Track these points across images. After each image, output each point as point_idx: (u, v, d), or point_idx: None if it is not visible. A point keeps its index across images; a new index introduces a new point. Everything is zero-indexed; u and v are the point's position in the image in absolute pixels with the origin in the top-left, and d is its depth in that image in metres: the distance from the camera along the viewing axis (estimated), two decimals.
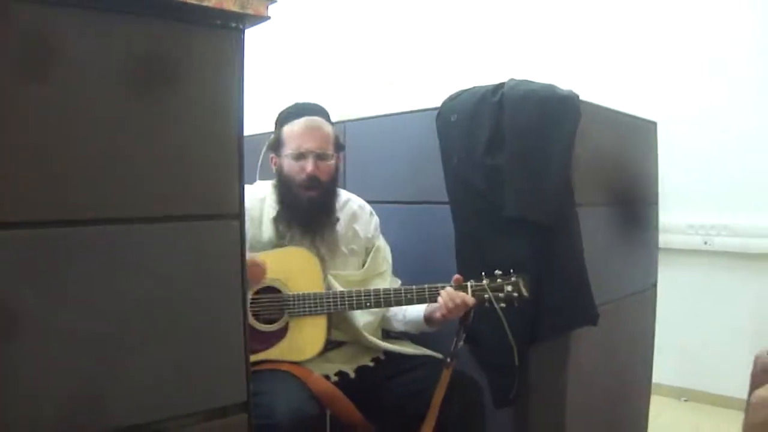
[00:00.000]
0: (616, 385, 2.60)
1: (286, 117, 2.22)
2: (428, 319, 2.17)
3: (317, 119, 2.18)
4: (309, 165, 2.12)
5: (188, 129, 1.10)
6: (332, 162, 2.19)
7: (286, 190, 2.18)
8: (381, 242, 2.35)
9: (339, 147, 2.24)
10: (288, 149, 2.16)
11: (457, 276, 2.07)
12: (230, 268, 1.18)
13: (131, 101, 1.03)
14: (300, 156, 2.14)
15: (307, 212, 2.16)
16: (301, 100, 2.28)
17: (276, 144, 2.21)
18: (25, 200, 0.94)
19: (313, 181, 2.14)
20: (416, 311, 2.21)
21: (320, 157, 2.15)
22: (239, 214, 1.19)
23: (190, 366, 1.13)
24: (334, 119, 2.30)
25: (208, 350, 1.15)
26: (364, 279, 2.25)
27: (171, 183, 1.09)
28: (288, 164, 2.16)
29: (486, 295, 2.01)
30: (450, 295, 2.02)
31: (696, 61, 3.80)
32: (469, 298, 2.01)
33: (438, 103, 2.39)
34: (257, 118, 2.17)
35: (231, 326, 1.19)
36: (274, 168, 2.24)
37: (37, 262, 0.95)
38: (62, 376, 0.98)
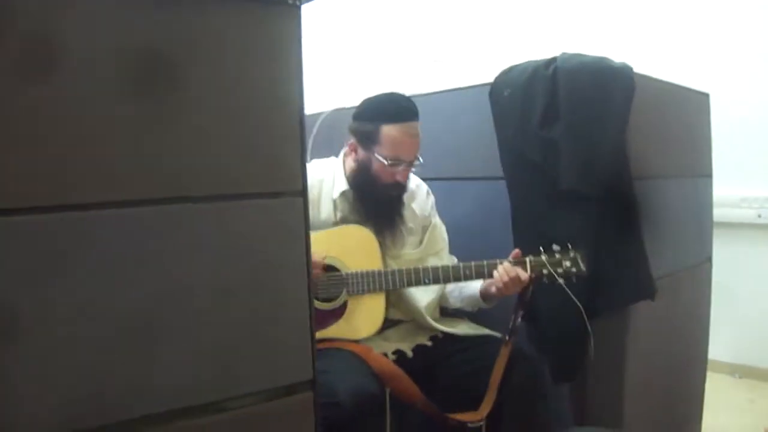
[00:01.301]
0: (674, 361, 2.57)
1: (386, 114, 2.12)
2: (484, 294, 2.16)
3: (416, 125, 2.12)
4: (401, 175, 2.12)
5: (248, 107, 1.09)
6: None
7: (367, 185, 2.16)
8: (437, 220, 2.34)
9: None
10: (384, 151, 2.10)
11: (516, 251, 2.06)
12: (294, 246, 1.17)
13: (187, 80, 1.02)
14: (396, 163, 2.10)
15: (384, 208, 2.17)
16: (397, 95, 2.20)
17: (368, 138, 2.13)
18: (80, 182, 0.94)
19: (398, 184, 2.14)
20: (472, 287, 2.20)
21: (411, 164, 2.14)
22: (302, 191, 1.17)
23: (255, 345, 1.12)
24: None
25: (273, 328, 1.14)
26: (420, 258, 2.24)
27: (233, 162, 1.08)
28: (379, 166, 2.11)
29: (545, 271, 2.00)
30: (506, 270, 2.01)
31: (749, 31, 3.72)
32: (524, 274, 2.00)
33: (484, 80, 2.36)
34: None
35: (296, 303, 1.18)
36: (353, 156, 2.20)
37: (96, 244, 0.95)
38: (115, 356, 0.97)
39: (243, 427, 1.12)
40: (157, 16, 0.98)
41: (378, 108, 2.16)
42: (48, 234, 0.91)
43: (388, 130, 2.09)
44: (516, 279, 2.00)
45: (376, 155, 2.11)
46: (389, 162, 2.09)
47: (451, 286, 2.27)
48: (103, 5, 0.94)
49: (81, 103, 0.93)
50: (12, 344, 0.89)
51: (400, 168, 2.11)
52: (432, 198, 2.36)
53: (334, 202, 2.17)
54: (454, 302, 2.29)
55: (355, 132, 2.18)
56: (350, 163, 2.21)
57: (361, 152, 2.17)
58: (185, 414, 1.05)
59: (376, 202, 2.16)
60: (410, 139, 2.10)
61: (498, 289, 2.04)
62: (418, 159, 2.15)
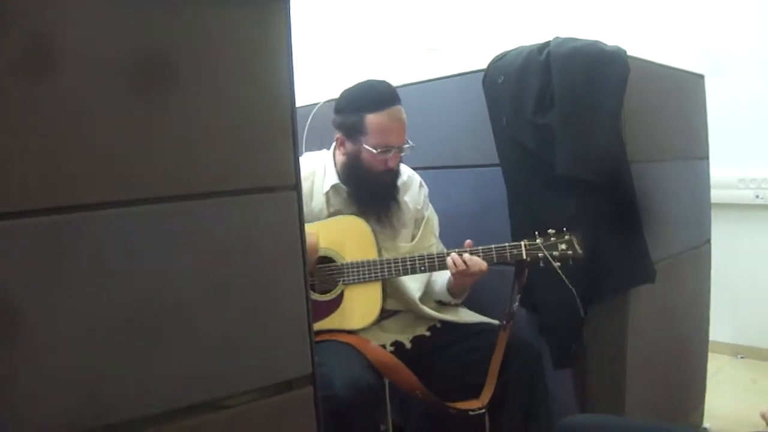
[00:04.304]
0: (675, 344, 2.57)
1: (369, 103, 2.10)
2: (449, 288, 2.19)
3: (400, 109, 2.11)
4: (392, 160, 2.11)
5: (240, 103, 1.09)
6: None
7: (360, 177, 2.15)
8: (430, 213, 2.34)
9: None
10: (372, 141, 2.08)
11: (467, 241, 2.07)
12: (289, 240, 1.17)
13: (178, 77, 1.02)
14: (386, 150, 2.09)
15: (380, 197, 2.16)
16: (374, 82, 2.18)
17: (353, 129, 2.12)
18: (77, 183, 0.94)
19: (390, 171, 2.14)
20: (441, 280, 2.22)
21: (400, 149, 2.13)
22: (296, 185, 1.18)
23: (253, 341, 1.12)
24: None
25: (270, 324, 1.15)
26: (412, 251, 2.22)
27: (225, 158, 1.08)
28: (369, 156, 2.10)
29: (541, 254, 2.00)
30: (453, 260, 2.03)
31: (742, 11, 3.69)
32: (480, 261, 2.02)
33: (479, 68, 2.35)
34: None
35: (293, 298, 1.18)
36: (341, 150, 2.18)
37: (92, 244, 0.95)
38: (114, 356, 0.97)
39: (244, 424, 1.13)
40: (150, 14, 0.98)
41: (359, 98, 2.14)
42: (46, 235, 0.91)
43: (373, 119, 2.08)
44: (465, 270, 2.01)
45: (364, 146, 2.10)
46: (379, 150, 2.08)
47: (433, 277, 2.27)
48: (97, 5, 0.94)
49: (76, 103, 0.93)
50: (12, 344, 0.89)
51: (390, 154, 2.10)
52: (425, 189, 2.35)
53: (326, 195, 2.17)
54: (434, 294, 2.28)
55: (340, 126, 2.17)
56: (340, 157, 2.20)
57: (349, 145, 2.15)
58: (186, 412, 1.06)
59: (371, 193, 2.15)
60: (397, 124, 2.09)
61: (453, 276, 2.08)
62: (408, 142, 2.14)
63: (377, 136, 2.08)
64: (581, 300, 2.04)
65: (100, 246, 0.95)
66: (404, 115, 2.12)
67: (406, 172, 2.32)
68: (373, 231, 2.12)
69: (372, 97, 2.12)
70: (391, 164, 2.11)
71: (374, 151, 2.08)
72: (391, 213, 2.19)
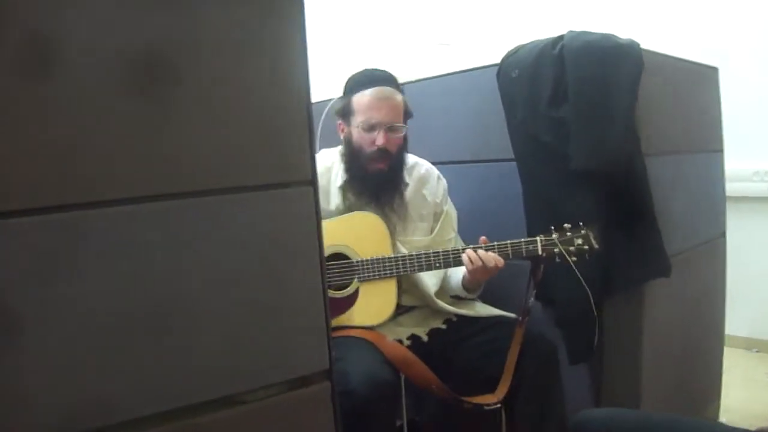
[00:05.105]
0: (691, 338, 2.56)
1: (356, 84, 2.17)
2: (464, 284, 2.19)
3: (388, 89, 2.13)
4: (380, 138, 2.10)
5: (254, 98, 1.08)
6: (402, 134, 2.17)
7: (354, 159, 2.16)
8: (449, 207, 2.33)
9: (408, 116, 2.20)
10: (358, 119, 2.12)
11: (482, 238, 2.06)
12: (306, 235, 1.17)
13: (192, 73, 1.01)
14: (371, 128, 2.11)
15: (376, 184, 2.15)
16: (370, 67, 2.23)
17: (345, 111, 2.18)
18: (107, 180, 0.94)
19: (382, 153, 2.12)
20: (456, 276, 2.22)
21: (391, 129, 2.12)
22: (312, 181, 1.17)
23: (271, 336, 1.12)
24: None
25: (288, 319, 1.14)
26: (429, 245, 2.22)
27: (241, 154, 1.07)
28: (358, 134, 2.14)
29: (556, 249, 1.99)
30: (469, 256, 2.02)
31: (757, 4, 3.67)
32: (496, 258, 2.01)
33: (492, 62, 2.34)
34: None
35: (310, 293, 1.18)
36: (342, 135, 2.22)
37: (106, 242, 0.94)
38: (130, 353, 0.97)
39: (261, 420, 1.13)
40: (160, 9, 0.98)
41: (350, 82, 2.21)
42: (55, 232, 0.91)
43: (359, 98, 2.13)
44: (481, 266, 2.01)
45: (353, 126, 2.15)
46: (363, 127, 2.12)
47: (448, 272, 2.26)
48: (104, 3, 0.94)
49: (86, 100, 0.92)
50: (18, 343, 0.89)
51: (376, 132, 2.11)
52: (444, 183, 2.34)
53: (341, 189, 2.17)
54: (450, 289, 2.28)
55: (337, 112, 2.22)
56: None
57: (345, 129, 2.20)
58: (203, 408, 1.05)
59: (366, 180, 2.15)
60: (379, 102, 2.11)
61: (469, 273, 2.07)
62: (400, 125, 2.15)
63: (362, 113, 2.12)
64: (596, 296, 2.03)
65: (112, 243, 0.95)
66: (396, 97, 2.15)
67: (424, 165, 2.33)
68: (391, 229, 2.13)
69: (360, 78, 2.19)
70: (379, 142, 2.10)
71: (360, 129, 2.12)
72: (394, 204, 2.19)
